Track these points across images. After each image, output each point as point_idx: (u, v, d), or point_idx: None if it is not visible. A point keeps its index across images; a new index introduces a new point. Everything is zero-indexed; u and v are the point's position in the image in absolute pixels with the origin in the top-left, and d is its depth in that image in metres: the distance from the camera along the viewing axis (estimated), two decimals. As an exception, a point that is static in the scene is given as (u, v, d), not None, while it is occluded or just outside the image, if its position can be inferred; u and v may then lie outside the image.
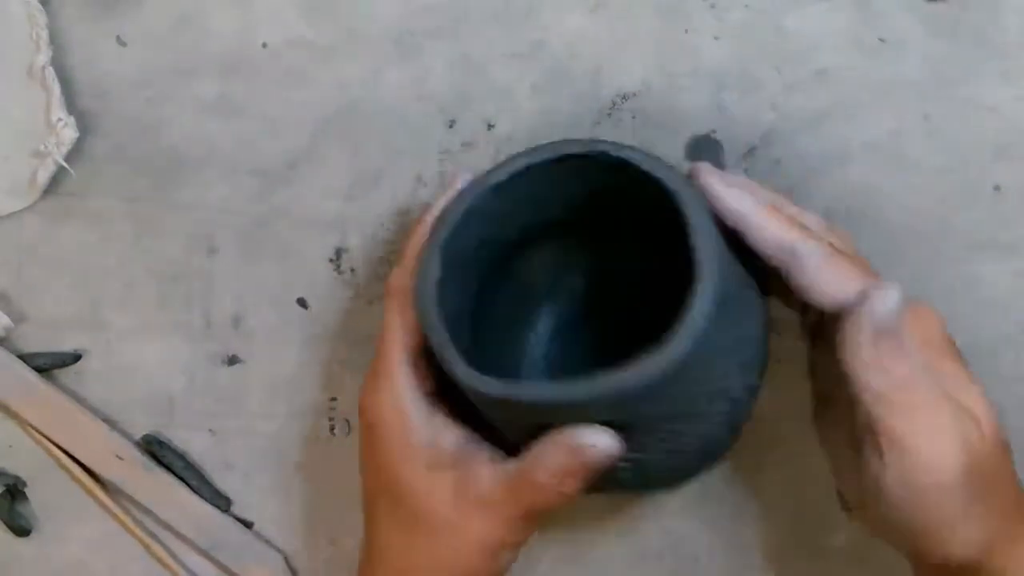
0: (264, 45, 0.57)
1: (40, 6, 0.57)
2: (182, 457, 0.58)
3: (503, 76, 0.56)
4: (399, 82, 0.56)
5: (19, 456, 0.58)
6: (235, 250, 0.57)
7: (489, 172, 0.47)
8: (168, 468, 0.57)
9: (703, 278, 0.41)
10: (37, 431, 0.57)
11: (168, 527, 0.58)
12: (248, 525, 0.58)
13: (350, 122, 0.56)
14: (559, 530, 0.56)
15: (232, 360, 0.58)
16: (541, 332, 0.54)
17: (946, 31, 0.54)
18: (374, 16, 0.56)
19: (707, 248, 0.42)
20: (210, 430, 0.58)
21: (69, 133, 0.56)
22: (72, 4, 0.57)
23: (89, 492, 0.58)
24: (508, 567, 0.48)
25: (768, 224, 0.45)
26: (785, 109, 0.54)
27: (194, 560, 0.58)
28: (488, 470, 0.46)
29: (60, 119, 0.56)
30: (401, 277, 0.48)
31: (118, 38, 0.57)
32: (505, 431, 0.47)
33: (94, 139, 0.57)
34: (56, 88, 0.56)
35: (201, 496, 0.57)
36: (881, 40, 0.54)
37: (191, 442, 0.58)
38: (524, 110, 0.56)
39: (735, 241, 0.45)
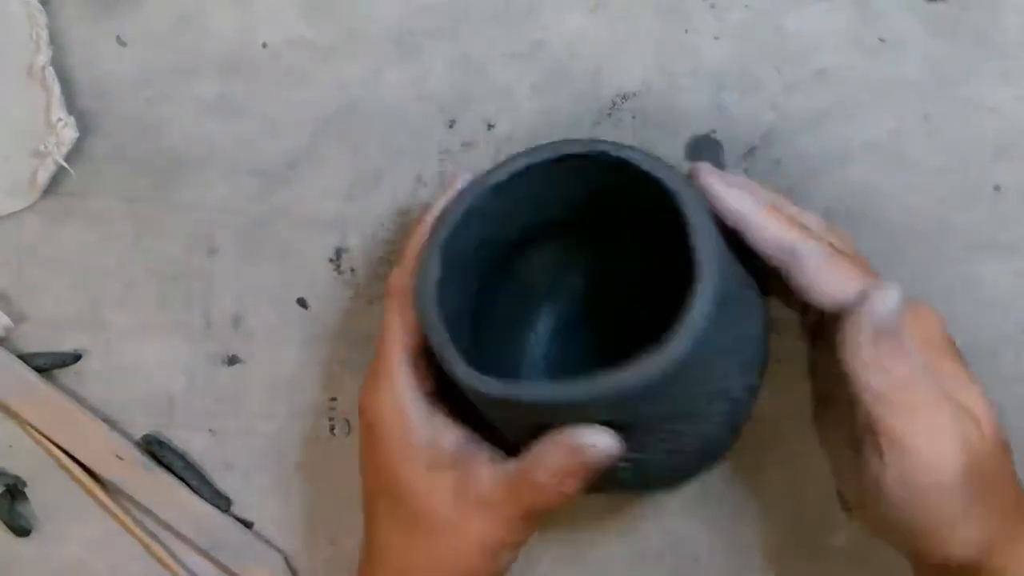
0: (264, 45, 0.57)
1: (40, 6, 0.57)
2: (182, 457, 0.58)
3: (503, 76, 0.56)
4: (399, 82, 0.56)
5: (19, 456, 0.58)
6: (235, 250, 0.57)
7: (489, 172, 0.47)
8: (168, 468, 0.57)
9: (703, 278, 0.41)
10: (37, 431, 0.57)
11: (168, 527, 0.58)
12: (248, 525, 0.58)
13: (350, 122, 0.56)
14: (559, 530, 0.56)
15: (232, 360, 0.58)
16: (541, 332, 0.54)
17: (946, 31, 0.54)
18: (374, 16, 0.56)
19: (707, 248, 0.42)
20: (210, 430, 0.58)
21: (69, 133, 0.56)
22: (72, 4, 0.57)
23: (89, 492, 0.57)
24: (508, 567, 0.48)
25: (768, 224, 0.45)
26: (785, 109, 0.54)
27: (194, 560, 0.58)
28: (488, 470, 0.46)
29: (60, 119, 0.56)
30: (401, 277, 0.48)
31: (118, 38, 0.57)
32: (505, 431, 0.47)
33: (94, 139, 0.57)
34: (56, 88, 0.56)
35: (201, 496, 0.57)
36: (881, 40, 0.54)
37: (191, 442, 0.58)
38: (524, 110, 0.56)
39: (735, 241, 0.45)
